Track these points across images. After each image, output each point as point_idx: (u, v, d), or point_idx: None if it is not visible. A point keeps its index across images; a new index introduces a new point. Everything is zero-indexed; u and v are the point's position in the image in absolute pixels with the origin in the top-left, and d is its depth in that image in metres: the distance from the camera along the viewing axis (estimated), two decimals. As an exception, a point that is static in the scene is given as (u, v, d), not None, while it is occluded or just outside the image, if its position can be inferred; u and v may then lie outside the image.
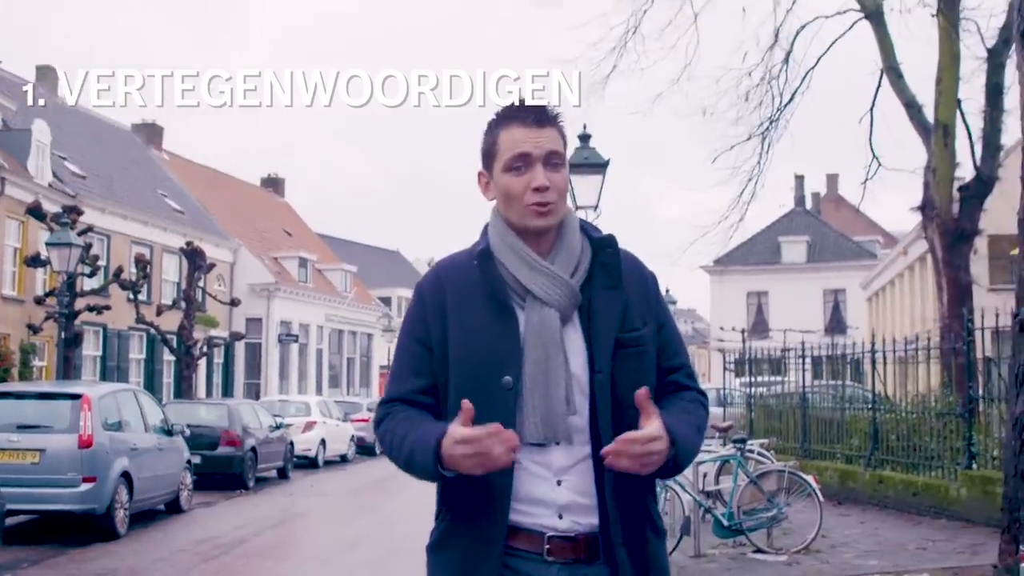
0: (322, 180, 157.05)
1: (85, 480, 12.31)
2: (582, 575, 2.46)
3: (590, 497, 2.46)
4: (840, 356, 19.56)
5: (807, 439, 17.19)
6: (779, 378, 21.36)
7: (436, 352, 2.54)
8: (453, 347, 2.51)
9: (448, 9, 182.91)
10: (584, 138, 12.63)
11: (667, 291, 39.70)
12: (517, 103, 2.58)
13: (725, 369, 23.24)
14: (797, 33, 20.34)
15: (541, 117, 2.53)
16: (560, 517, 2.46)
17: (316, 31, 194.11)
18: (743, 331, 49.60)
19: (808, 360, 19.39)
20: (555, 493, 2.45)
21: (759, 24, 38.05)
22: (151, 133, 45.16)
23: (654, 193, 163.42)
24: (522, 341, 2.48)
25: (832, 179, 69.75)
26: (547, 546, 2.45)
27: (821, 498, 10.75)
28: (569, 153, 8.85)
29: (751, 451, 11.88)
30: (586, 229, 2.62)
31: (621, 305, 2.53)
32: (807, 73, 20.95)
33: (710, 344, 60.16)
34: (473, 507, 2.46)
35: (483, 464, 2.32)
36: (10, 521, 11.63)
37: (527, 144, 2.50)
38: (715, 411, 26.17)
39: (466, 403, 2.32)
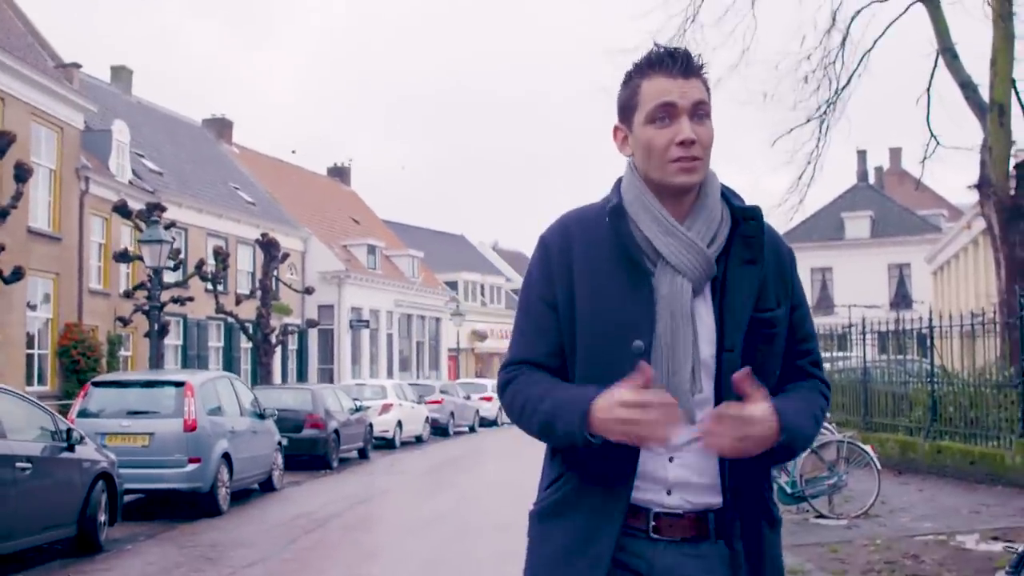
0: (384, 167, 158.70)
1: (191, 461, 13.33)
2: (688, 554, 2.33)
3: (706, 476, 2.32)
4: (901, 331, 20.10)
5: (868, 412, 17.77)
6: (844, 354, 21.90)
7: (562, 312, 2.39)
8: (581, 308, 2.36)
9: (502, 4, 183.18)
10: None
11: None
12: (661, 50, 2.39)
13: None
14: (853, 17, 20.77)
15: (687, 66, 2.36)
16: (669, 493, 2.33)
17: (358, 23, 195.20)
18: (808, 308, 49.54)
19: (870, 336, 19.93)
20: (666, 470, 2.32)
21: (816, 8, 38.26)
22: (221, 127, 46.44)
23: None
24: (654, 306, 2.33)
25: (895, 153, 69.34)
26: (653, 523, 2.33)
27: (879, 466, 11.42)
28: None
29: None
30: (727, 196, 2.45)
31: (758, 282, 2.38)
32: (863, 56, 21.37)
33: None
34: (594, 478, 2.33)
35: (640, 433, 2.17)
36: (124, 499, 12.60)
37: (673, 94, 2.34)
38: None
39: (645, 364, 2.19)
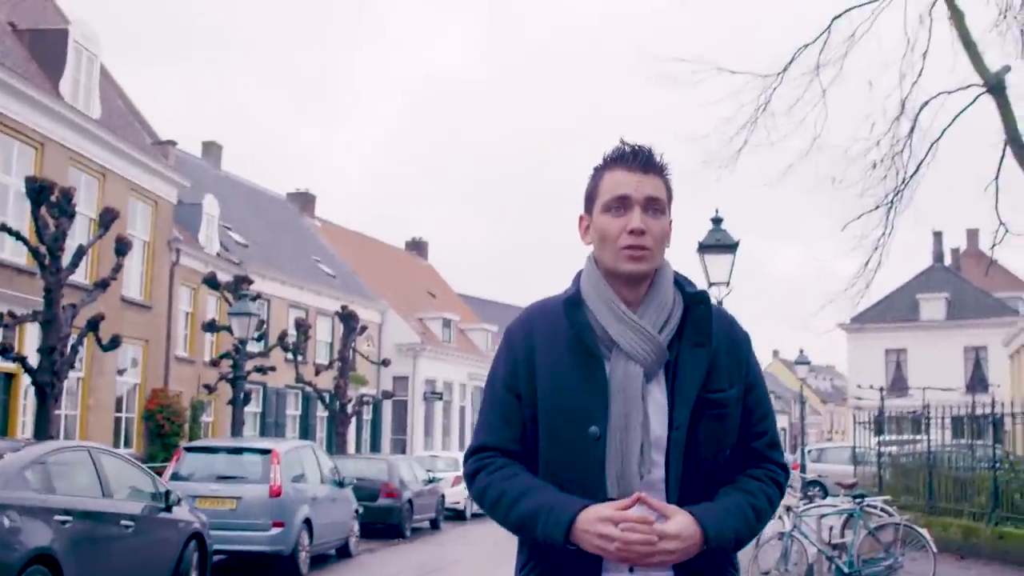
0: (458, 241, 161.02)
1: (275, 525, 14.08)
2: None
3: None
4: (970, 416, 20.30)
5: (932, 496, 17.98)
6: (913, 437, 22.09)
7: (525, 398, 2.52)
8: (542, 395, 2.49)
9: (576, 87, 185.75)
10: (716, 221, 13.97)
11: (800, 351, 40.34)
12: (625, 147, 2.56)
13: (855, 426, 23.96)
14: (921, 108, 21.19)
15: (647, 163, 2.52)
16: (631, 571, 2.41)
17: (426, 101, 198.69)
18: (881, 389, 49.49)
19: (938, 420, 20.12)
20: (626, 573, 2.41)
21: (885, 96, 38.46)
22: (304, 201, 47.96)
23: (762, 252, 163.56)
24: (608, 392, 2.45)
25: (972, 234, 68.80)
26: None
27: (935, 549, 11.77)
28: (702, 235, 10.35)
29: (873, 506, 12.94)
30: (680, 283, 2.58)
31: (706, 363, 2.49)
32: (932, 145, 21.79)
33: (849, 401, 60.06)
34: (564, 564, 2.42)
35: (613, 550, 2.31)
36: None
37: (628, 186, 2.49)
38: (846, 469, 26.92)
39: (638, 495, 2.34)
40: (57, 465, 9.83)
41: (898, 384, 55.38)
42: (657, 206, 2.51)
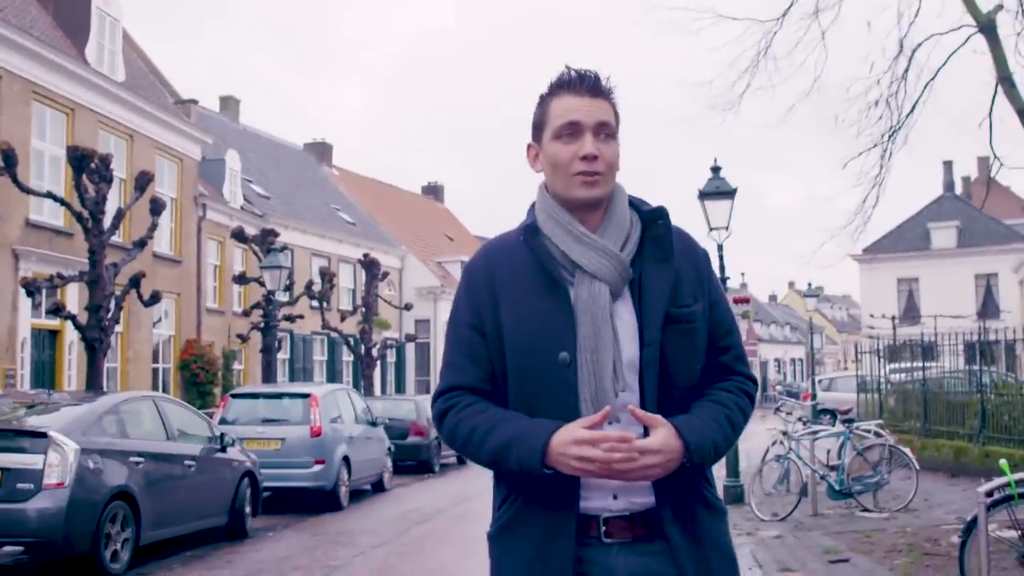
0: (467, 186, 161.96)
1: (316, 462, 15.33)
2: (642, 552, 2.42)
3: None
4: (979, 343, 21.34)
5: (927, 420, 19.12)
6: (921, 365, 23.14)
7: (490, 336, 2.48)
8: (507, 328, 2.45)
9: (576, 32, 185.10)
10: (715, 170, 14.98)
11: (809, 284, 41.36)
12: (571, 72, 2.50)
13: (858, 356, 24.98)
14: (914, 50, 22.00)
15: (594, 88, 2.48)
16: (615, 498, 2.42)
17: (421, 53, 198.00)
18: (893, 318, 50.64)
19: (948, 348, 21.11)
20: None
21: (885, 36, 39.26)
22: (321, 151, 48.93)
23: (762, 185, 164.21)
24: (574, 316, 2.40)
25: (983, 162, 69.20)
26: (604, 528, 2.42)
27: (917, 467, 12.94)
28: (702, 183, 11.65)
29: (867, 430, 14.10)
30: (635, 203, 2.56)
31: (672, 279, 2.47)
32: (926, 85, 22.59)
33: (863, 331, 61.06)
34: (542, 494, 2.40)
35: (595, 470, 2.29)
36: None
37: (577, 112, 2.45)
38: (849, 396, 28.06)
39: (607, 408, 2.33)
40: (127, 413, 11.05)
41: (910, 313, 56.33)
42: (608, 131, 2.48)
